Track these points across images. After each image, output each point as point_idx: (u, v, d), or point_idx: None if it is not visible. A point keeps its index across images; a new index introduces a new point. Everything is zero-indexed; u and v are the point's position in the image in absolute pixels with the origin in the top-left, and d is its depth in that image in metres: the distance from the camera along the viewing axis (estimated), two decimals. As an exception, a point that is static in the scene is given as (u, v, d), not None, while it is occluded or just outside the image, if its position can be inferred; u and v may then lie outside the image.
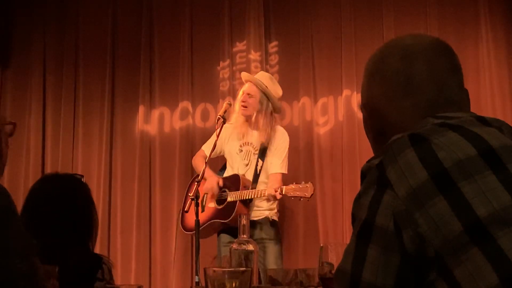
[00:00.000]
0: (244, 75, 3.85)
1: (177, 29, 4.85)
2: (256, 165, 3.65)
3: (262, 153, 3.66)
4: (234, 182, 3.62)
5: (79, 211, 2.05)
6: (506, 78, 4.29)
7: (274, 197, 3.47)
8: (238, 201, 3.53)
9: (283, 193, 3.41)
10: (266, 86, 3.68)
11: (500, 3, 4.38)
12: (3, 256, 1.19)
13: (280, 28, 4.72)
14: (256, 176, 3.65)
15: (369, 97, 1.25)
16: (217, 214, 3.62)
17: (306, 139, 4.49)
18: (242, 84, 3.90)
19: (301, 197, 3.41)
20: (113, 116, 4.86)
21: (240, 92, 3.74)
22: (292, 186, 3.43)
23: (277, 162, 3.66)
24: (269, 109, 3.68)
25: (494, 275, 0.90)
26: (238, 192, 3.54)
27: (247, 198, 3.52)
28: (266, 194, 3.47)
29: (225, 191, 3.63)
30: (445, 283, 0.94)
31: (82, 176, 2.21)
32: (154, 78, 4.84)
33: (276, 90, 3.75)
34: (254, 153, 3.68)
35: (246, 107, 3.66)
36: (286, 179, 3.64)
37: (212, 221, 3.62)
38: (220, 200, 3.65)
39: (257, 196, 3.52)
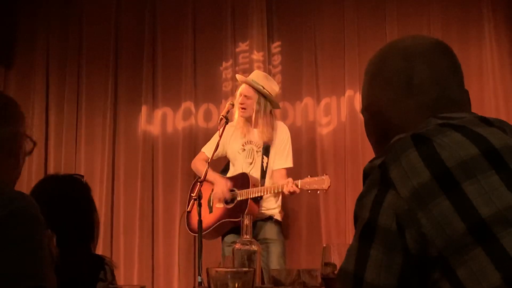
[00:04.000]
0: (238, 77, 3.84)
1: (180, 30, 4.85)
2: (262, 162, 3.64)
3: (266, 150, 3.66)
4: (243, 181, 3.61)
5: (79, 212, 2.05)
6: (509, 79, 4.27)
7: (293, 192, 3.41)
8: (249, 199, 3.51)
9: (299, 187, 3.38)
10: (262, 86, 3.66)
11: (503, 4, 4.37)
12: (48, 267, 1.24)
13: (283, 28, 4.71)
14: (263, 173, 3.64)
15: (371, 99, 1.25)
16: (227, 213, 3.60)
17: (308, 139, 4.48)
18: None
19: (318, 189, 3.39)
20: (116, 116, 4.86)
21: (238, 94, 3.72)
22: (308, 179, 3.40)
23: (280, 157, 3.67)
24: (267, 108, 3.67)
25: (497, 275, 0.90)
26: (248, 190, 3.53)
27: (258, 195, 3.51)
28: (284, 190, 3.41)
29: (233, 190, 3.62)
30: (448, 283, 0.94)
31: (82, 176, 2.20)
32: (157, 78, 4.84)
33: (272, 87, 3.72)
34: (257, 151, 3.68)
35: (244, 109, 3.65)
36: (290, 175, 3.62)
37: (222, 221, 3.60)
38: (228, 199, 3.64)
39: (271, 192, 3.50)
